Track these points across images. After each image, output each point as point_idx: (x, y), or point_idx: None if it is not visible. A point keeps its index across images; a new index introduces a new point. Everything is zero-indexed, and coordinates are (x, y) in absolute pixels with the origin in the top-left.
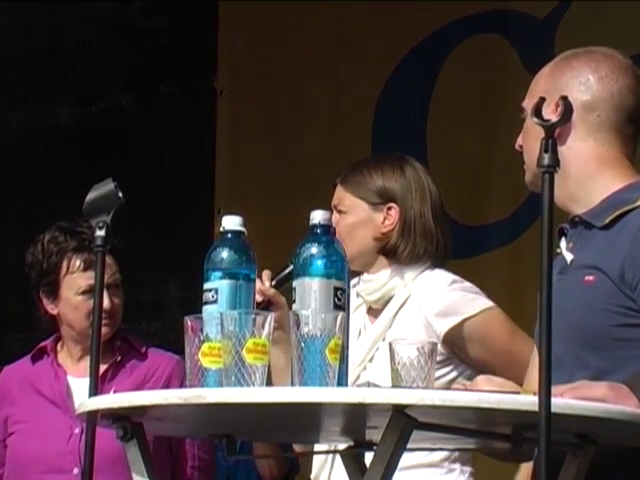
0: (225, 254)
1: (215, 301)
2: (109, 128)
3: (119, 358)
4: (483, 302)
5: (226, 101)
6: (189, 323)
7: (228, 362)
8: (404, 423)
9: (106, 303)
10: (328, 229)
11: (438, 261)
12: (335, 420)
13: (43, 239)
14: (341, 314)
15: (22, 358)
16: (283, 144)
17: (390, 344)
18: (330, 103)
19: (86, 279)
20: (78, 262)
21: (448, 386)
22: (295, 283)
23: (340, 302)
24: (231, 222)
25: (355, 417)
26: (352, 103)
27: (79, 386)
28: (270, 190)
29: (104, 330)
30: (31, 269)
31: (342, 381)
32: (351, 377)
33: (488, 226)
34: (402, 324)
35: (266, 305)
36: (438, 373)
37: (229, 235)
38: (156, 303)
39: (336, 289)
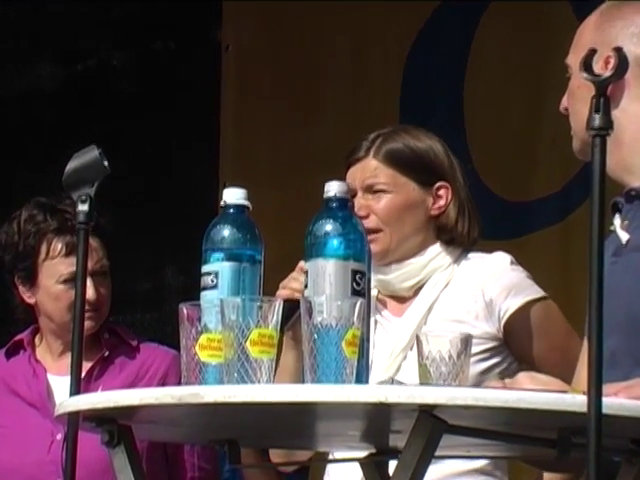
0: (226, 232)
1: (215, 286)
2: (97, 90)
3: (107, 353)
4: (540, 289)
5: (232, 58)
6: (185, 311)
7: (230, 356)
8: (432, 426)
9: (90, 293)
10: (345, 203)
11: (471, 247)
12: (353, 423)
13: (19, 217)
14: (360, 301)
15: None
16: (298, 108)
17: (417, 337)
18: (351, 61)
19: (68, 265)
20: (59, 246)
21: (500, 377)
22: (307, 265)
23: (359, 287)
24: (233, 195)
25: (376, 420)
26: (376, 61)
27: (60, 385)
28: (283, 161)
29: (87, 324)
30: (5, 251)
31: (361, 378)
32: (382, 377)
33: (535, 202)
34: (449, 308)
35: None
36: (488, 363)
37: (231, 210)
38: (152, 292)
39: (354, 272)
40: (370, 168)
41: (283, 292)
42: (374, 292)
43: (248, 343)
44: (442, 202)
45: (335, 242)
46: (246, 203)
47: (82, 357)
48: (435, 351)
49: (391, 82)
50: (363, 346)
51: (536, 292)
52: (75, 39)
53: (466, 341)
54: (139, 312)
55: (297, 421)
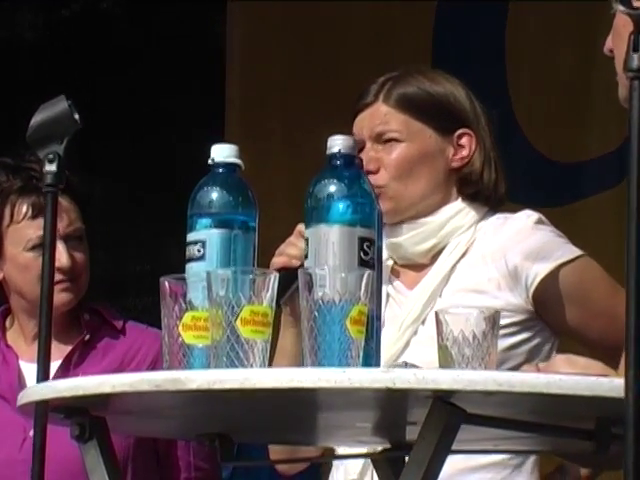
0: (215, 195)
1: (202, 257)
2: (85, 38)
3: (88, 337)
4: (575, 248)
5: (238, 5)
6: (167, 286)
7: (217, 337)
8: (448, 415)
9: (64, 259)
10: (352, 160)
11: (499, 206)
12: (361, 414)
13: None
14: (368, 273)
15: None
16: (313, 59)
17: (437, 314)
18: (376, 6)
19: (36, 229)
20: (24, 207)
21: (529, 356)
22: (308, 232)
23: (367, 257)
24: (222, 152)
25: (387, 409)
26: (403, 9)
27: (34, 373)
28: (296, 119)
29: (64, 296)
30: None
31: (370, 362)
32: (388, 356)
33: (588, 163)
34: (468, 277)
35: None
36: (513, 339)
37: (220, 170)
38: (149, 273)
39: (362, 240)
40: (380, 114)
41: (279, 259)
42: (389, 262)
43: (238, 322)
44: (465, 152)
45: (340, 205)
46: (237, 161)
47: (51, 336)
48: (457, 330)
49: (422, 32)
50: (372, 325)
51: (569, 252)
52: None
53: (493, 318)
54: (133, 296)
55: (296, 411)
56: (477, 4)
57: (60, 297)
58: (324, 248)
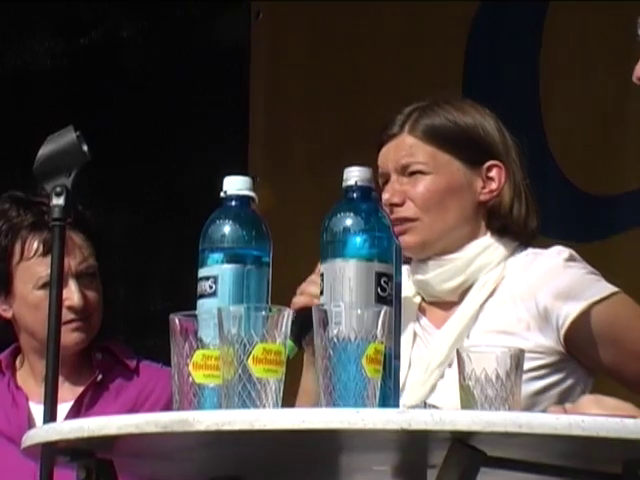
0: (227, 229)
1: (214, 293)
2: (104, 67)
3: (100, 377)
4: (608, 285)
5: (264, 26)
6: (177, 323)
7: (229, 376)
8: (467, 458)
9: (76, 298)
10: (368, 192)
11: (529, 241)
12: (378, 456)
13: None
14: (385, 310)
15: None
16: (340, 83)
17: (458, 353)
18: (405, 27)
19: (48, 267)
20: (36, 244)
21: (560, 399)
22: (323, 267)
23: (385, 293)
24: (235, 184)
25: (405, 452)
26: (434, 28)
27: None
28: (320, 148)
29: (75, 336)
30: None
31: (388, 402)
32: (414, 400)
33: (624, 196)
34: (497, 318)
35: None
36: (542, 382)
37: (233, 202)
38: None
39: (379, 275)
40: (405, 146)
41: (300, 299)
42: (416, 299)
43: (250, 360)
44: (494, 185)
45: (356, 239)
46: (250, 194)
47: (58, 376)
48: (479, 370)
49: (452, 51)
50: (390, 364)
51: (602, 290)
52: (76, 7)
53: (517, 358)
54: (153, 337)
55: (311, 453)
56: (514, 16)
57: (71, 337)
58: (340, 284)
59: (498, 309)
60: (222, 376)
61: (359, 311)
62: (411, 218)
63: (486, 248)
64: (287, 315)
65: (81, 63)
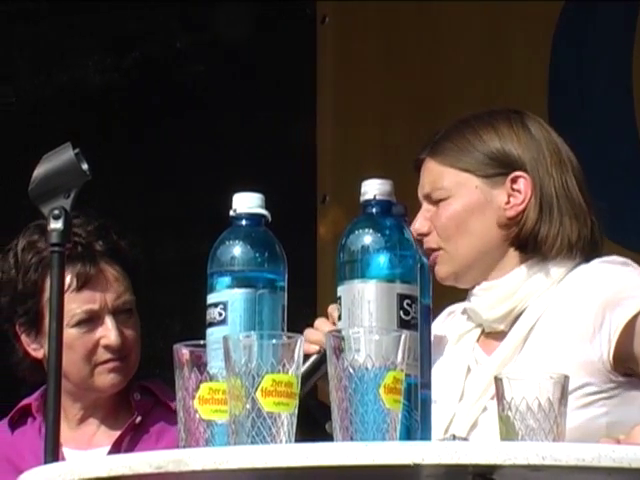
0: (237, 250)
1: (223, 321)
2: (156, 80)
3: (139, 419)
4: None
5: (330, 31)
6: (182, 353)
7: (236, 411)
8: None
9: (112, 337)
10: (388, 207)
11: (591, 256)
12: None
13: (16, 247)
14: (406, 334)
15: None
16: (412, 93)
17: (497, 379)
18: (483, 31)
19: (82, 303)
20: (68, 278)
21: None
22: (341, 290)
23: (408, 317)
24: (246, 202)
25: None
26: (516, 30)
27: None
28: (394, 161)
29: (112, 377)
30: (1, 292)
31: (414, 436)
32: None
33: None
34: (542, 342)
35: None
36: (595, 409)
37: (243, 222)
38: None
39: (402, 297)
40: (429, 172)
41: (312, 349)
42: (476, 332)
43: (259, 393)
44: (519, 198)
45: (376, 259)
46: (263, 212)
47: (59, 413)
48: (519, 399)
49: (536, 60)
50: (416, 395)
51: None
52: (126, 21)
53: (561, 385)
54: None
55: None
56: (603, 16)
57: (108, 378)
58: (359, 307)
59: (544, 333)
60: (229, 411)
61: (377, 336)
62: (434, 248)
63: (530, 276)
64: (299, 343)
65: (134, 77)
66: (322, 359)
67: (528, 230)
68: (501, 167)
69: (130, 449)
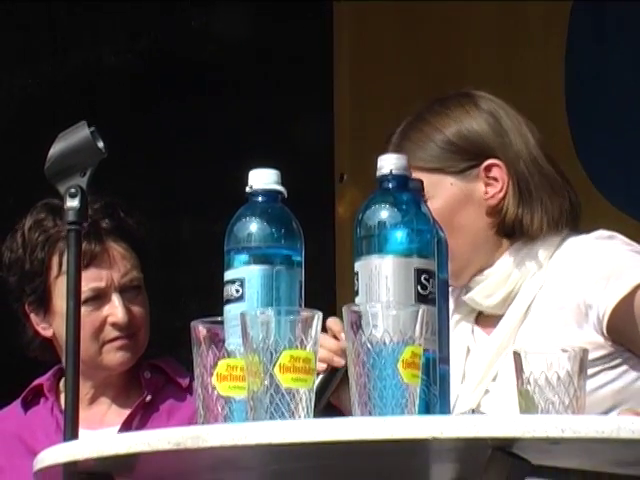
0: (254, 227)
1: (241, 297)
2: (169, 63)
3: (149, 397)
4: None
5: (347, 10)
6: (200, 330)
7: (255, 387)
8: (510, 468)
9: (120, 314)
10: (405, 182)
11: (575, 224)
12: (413, 468)
13: (23, 226)
14: (424, 309)
15: (8, 405)
16: (431, 76)
17: (515, 354)
18: (500, 14)
19: (89, 280)
20: None
21: (618, 399)
22: (357, 266)
23: (426, 291)
24: (262, 178)
25: (443, 464)
26: (535, 14)
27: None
28: None
29: (121, 355)
30: (10, 271)
31: (434, 410)
32: (466, 408)
33: None
34: (539, 319)
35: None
36: (597, 380)
37: (259, 198)
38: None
39: (420, 272)
40: None
41: (320, 367)
42: (474, 313)
43: (277, 369)
44: (497, 186)
45: (395, 233)
46: (279, 188)
47: (78, 394)
48: (538, 372)
49: (554, 44)
50: (435, 369)
51: None
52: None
53: (580, 358)
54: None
55: (339, 466)
56: (615, 14)
57: (116, 356)
58: (376, 283)
59: (540, 312)
60: (247, 387)
61: (394, 311)
62: None
63: (519, 260)
64: (317, 318)
65: (149, 59)
66: (330, 377)
67: (512, 217)
68: (469, 157)
69: (140, 428)
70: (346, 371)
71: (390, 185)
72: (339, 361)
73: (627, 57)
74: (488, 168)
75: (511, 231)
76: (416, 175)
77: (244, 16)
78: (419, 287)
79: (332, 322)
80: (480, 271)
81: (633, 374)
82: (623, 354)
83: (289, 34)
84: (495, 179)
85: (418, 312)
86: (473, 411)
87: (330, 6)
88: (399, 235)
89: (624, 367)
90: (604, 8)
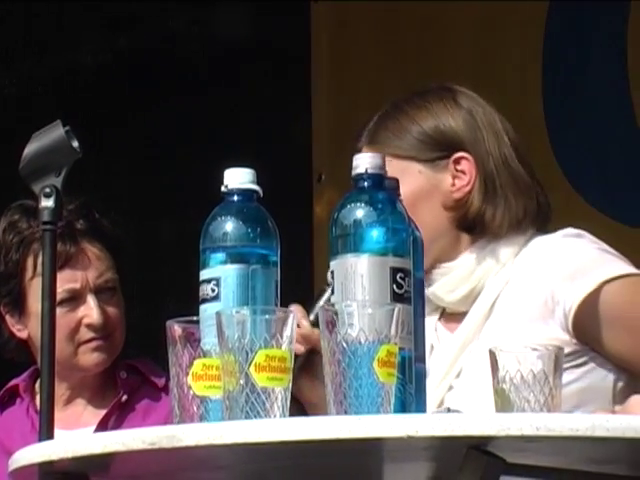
0: (229, 226)
1: (216, 297)
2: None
3: (125, 397)
4: (626, 267)
5: (324, 12)
6: (175, 329)
7: (231, 387)
8: (484, 466)
9: (95, 315)
10: (380, 180)
11: (543, 225)
12: (388, 467)
13: None
14: (399, 308)
15: None
16: (408, 67)
17: (491, 353)
18: (480, 23)
19: (63, 282)
20: None
21: (582, 398)
22: (333, 264)
23: (401, 290)
24: (237, 178)
25: (418, 462)
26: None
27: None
28: None
29: (96, 357)
30: None
31: (409, 409)
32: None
33: None
34: (504, 315)
35: (307, 355)
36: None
37: (235, 197)
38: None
39: (395, 270)
40: None
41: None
42: (437, 312)
43: (252, 369)
44: (465, 179)
45: (370, 232)
46: (255, 187)
47: (53, 393)
48: (514, 371)
49: (531, 45)
50: (410, 368)
51: (612, 271)
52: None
53: (556, 356)
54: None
55: (312, 465)
56: (592, 15)
57: (92, 357)
58: (352, 282)
59: (505, 309)
60: (223, 387)
61: (370, 310)
62: None
63: (483, 257)
64: (292, 317)
65: (131, 58)
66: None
67: (474, 212)
68: (441, 149)
69: (116, 427)
70: (306, 359)
71: (365, 184)
72: (299, 348)
73: (604, 57)
74: (457, 161)
75: (472, 226)
76: (386, 160)
77: (222, 15)
78: (395, 286)
79: (294, 309)
80: (438, 262)
81: (598, 373)
82: (588, 353)
83: (268, 34)
84: (463, 172)
85: (394, 311)
86: (449, 409)
87: (308, 5)
88: (374, 234)
89: (589, 366)
90: (581, 8)
